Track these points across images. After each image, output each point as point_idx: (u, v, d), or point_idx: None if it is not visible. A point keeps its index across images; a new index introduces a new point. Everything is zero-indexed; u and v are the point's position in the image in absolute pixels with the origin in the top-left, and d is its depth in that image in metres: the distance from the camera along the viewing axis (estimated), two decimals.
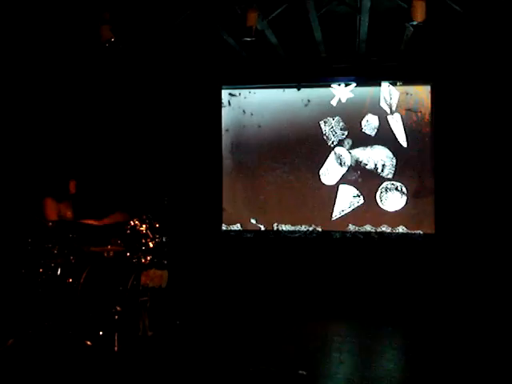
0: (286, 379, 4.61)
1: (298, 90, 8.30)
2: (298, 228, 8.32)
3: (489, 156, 7.53)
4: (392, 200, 8.07)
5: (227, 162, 8.58)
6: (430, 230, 7.93)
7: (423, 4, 5.11)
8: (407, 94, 8.05)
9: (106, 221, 5.89)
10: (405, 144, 8.04)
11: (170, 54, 7.99)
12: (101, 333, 5.27)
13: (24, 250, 5.66)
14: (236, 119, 8.57)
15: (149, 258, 5.73)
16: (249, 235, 8.45)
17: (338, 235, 8.19)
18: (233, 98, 8.58)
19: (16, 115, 7.28)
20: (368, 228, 8.11)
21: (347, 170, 8.23)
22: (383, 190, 8.09)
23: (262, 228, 8.43)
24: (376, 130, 8.11)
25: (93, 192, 7.20)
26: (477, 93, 7.57)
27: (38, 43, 7.06)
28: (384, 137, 8.08)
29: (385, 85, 8.09)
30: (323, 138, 8.27)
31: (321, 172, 8.30)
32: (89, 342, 5.18)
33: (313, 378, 4.68)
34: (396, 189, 8.07)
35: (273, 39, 7.05)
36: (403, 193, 8.05)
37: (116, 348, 5.16)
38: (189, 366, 4.98)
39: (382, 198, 8.10)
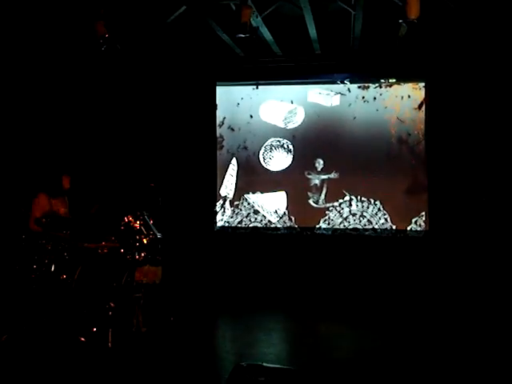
0: (280, 375, 4.62)
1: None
2: (292, 225, 8.35)
3: (482, 153, 7.56)
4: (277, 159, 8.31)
5: (222, 157, 8.60)
6: (424, 227, 7.97)
7: (417, 1, 5.12)
8: (401, 90, 8.06)
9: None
10: (398, 140, 8.06)
11: (165, 51, 7.98)
12: (95, 329, 5.28)
13: (18, 247, 5.66)
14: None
15: (143, 254, 5.73)
16: (242, 232, 8.46)
17: (330, 232, 8.21)
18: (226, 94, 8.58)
19: (9, 112, 7.26)
20: (363, 225, 8.14)
21: (338, 166, 8.26)
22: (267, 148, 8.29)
23: (254, 225, 8.45)
24: (369, 126, 8.12)
25: (87, 188, 7.18)
26: (471, 89, 7.59)
27: (31, 40, 7.03)
28: (377, 133, 8.10)
29: (379, 81, 8.11)
30: (318, 135, 8.29)
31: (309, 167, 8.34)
32: (83, 338, 5.18)
33: (303, 374, 4.69)
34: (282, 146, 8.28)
35: (268, 36, 7.05)
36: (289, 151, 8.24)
37: (110, 344, 5.16)
38: (182, 362, 4.99)
39: (266, 157, 8.33)
